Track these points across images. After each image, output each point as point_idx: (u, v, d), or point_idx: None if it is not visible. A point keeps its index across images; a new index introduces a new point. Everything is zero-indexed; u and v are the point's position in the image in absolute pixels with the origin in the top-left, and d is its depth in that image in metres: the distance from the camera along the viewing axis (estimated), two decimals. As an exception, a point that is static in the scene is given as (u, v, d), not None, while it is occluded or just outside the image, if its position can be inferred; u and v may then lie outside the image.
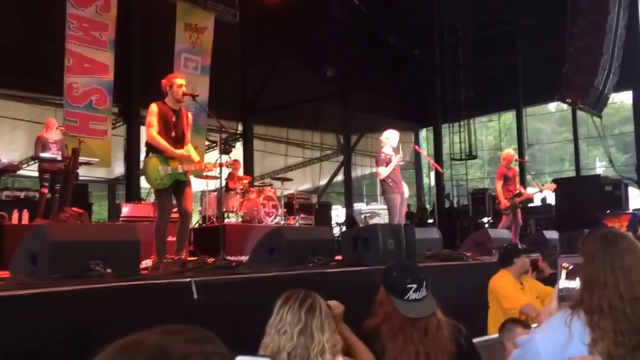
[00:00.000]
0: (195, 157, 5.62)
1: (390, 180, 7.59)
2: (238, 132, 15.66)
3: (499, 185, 9.17)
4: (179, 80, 5.53)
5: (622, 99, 15.56)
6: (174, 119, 5.47)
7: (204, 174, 8.40)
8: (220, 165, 5.91)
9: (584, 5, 11.29)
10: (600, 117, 12.86)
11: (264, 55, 15.32)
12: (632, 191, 12.80)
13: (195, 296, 3.31)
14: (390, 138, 7.74)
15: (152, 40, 12.33)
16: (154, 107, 5.39)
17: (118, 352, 0.81)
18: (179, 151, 5.38)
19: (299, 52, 16.35)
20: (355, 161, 18.80)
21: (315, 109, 16.54)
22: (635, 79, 13.28)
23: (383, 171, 7.55)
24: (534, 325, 3.74)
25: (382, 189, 7.90)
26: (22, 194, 8.26)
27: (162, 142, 5.30)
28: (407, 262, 2.76)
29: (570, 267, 2.27)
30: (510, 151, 9.77)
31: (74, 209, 7.71)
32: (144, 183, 10.86)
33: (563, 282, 2.29)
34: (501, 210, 9.19)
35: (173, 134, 5.44)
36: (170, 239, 5.56)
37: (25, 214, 7.60)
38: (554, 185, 10.53)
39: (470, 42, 15.80)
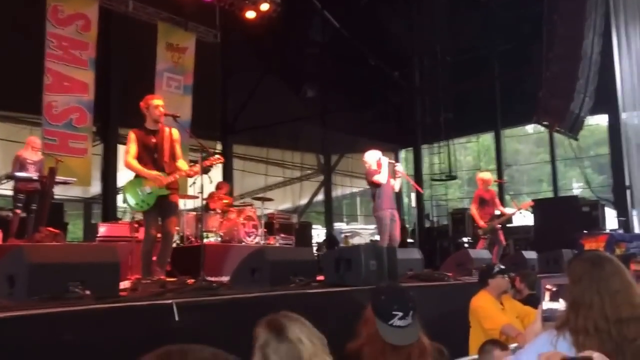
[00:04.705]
0: (184, 169, 5.61)
1: (381, 194, 7.40)
2: (217, 151, 15.61)
3: (473, 208, 9.27)
4: (156, 101, 5.55)
5: (598, 121, 15.85)
6: (154, 140, 5.47)
7: (190, 180, 8.34)
8: (202, 167, 5.77)
9: (559, 31, 11.53)
10: (577, 139, 13.07)
11: (245, 75, 15.36)
12: (608, 212, 12.98)
13: (177, 318, 3.26)
14: (373, 157, 7.69)
15: (133, 60, 12.30)
16: (131, 135, 5.47)
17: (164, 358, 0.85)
18: (154, 172, 5.36)
19: (280, 73, 16.44)
20: (335, 181, 18.82)
21: (295, 129, 16.58)
22: (609, 103, 13.55)
23: (380, 177, 7.39)
24: (512, 346, 3.77)
25: (373, 207, 7.64)
26: (-5, 214, 8.13)
27: (136, 166, 5.34)
28: (399, 287, 2.69)
29: (554, 288, 2.29)
30: (487, 174, 9.90)
31: (50, 228, 7.60)
32: (120, 202, 10.75)
33: (547, 303, 2.30)
34: (479, 232, 9.27)
35: (155, 155, 5.45)
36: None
37: (-1, 234, 7.48)
38: (531, 203, 10.68)
39: (448, 66, 16.02)
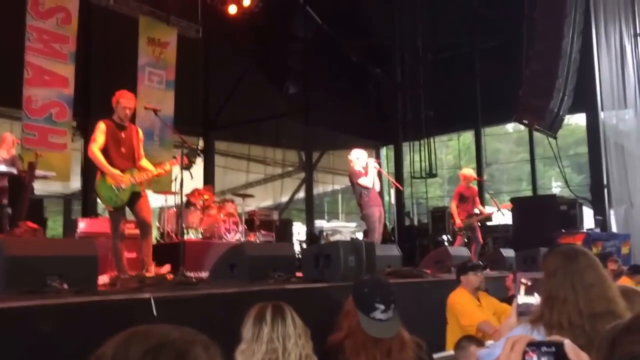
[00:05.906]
0: (152, 169, 5.64)
1: (369, 192, 7.51)
2: (199, 147, 15.52)
3: (453, 204, 9.30)
4: (124, 102, 5.54)
5: (577, 120, 16.03)
6: (123, 135, 5.50)
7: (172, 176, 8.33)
8: (181, 164, 5.76)
9: (539, 29, 11.63)
10: (556, 138, 13.19)
11: (227, 71, 15.30)
12: (586, 211, 13.13)
13: (155, 313, 3.25)
14: (360, 158, 7.76)
15: (114, 54, 12.16)
16: (101, 125, 5.47)
17: (128, 338, 0.86)
18: (115, 170, 5.36)
19: (262, 69, 16.39)
20: (316, 178, 18.82)
21: (277, 126, 16.54)
22: (588, 102, 13.69)
23: (365, 180, 7.48)
24: (489, 342, 3.81)
25: (359, 206, 7.71)
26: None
27: (99, 158, 5.34)
28: (381, 280, 2.71)
29: (529, 282, 2.31)
30: (469, 170, 9.93)
31: (29, 223, 7.48)
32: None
33: (522, 298, 2.32)
34: (456, 230, 9.33)
35: (123, 150, 5.48)
36: (127, 255, 5.54)
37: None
38: (510, 205, 10.79)
39: (430, 63, 16.07)
